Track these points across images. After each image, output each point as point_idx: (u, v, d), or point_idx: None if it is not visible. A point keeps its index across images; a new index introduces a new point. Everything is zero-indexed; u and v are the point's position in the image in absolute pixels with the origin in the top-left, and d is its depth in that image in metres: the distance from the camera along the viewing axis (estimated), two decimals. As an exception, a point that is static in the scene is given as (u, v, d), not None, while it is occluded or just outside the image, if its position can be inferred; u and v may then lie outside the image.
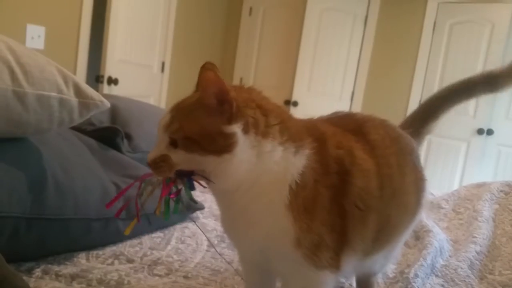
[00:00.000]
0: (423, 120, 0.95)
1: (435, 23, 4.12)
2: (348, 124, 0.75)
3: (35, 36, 2.59)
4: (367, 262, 0.77)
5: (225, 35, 4.74)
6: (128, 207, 1.05)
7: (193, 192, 0.71)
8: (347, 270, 0.72)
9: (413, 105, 4.04)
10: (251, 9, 4.65)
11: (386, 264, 0.95)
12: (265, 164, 0.63)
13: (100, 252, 0.98)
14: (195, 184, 0.67)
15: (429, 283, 1.03)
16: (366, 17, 4.29)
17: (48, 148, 0.97)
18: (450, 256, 1.21)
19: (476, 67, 3.91)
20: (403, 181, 0.76)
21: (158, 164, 0.63)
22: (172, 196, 0.67)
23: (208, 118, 0.61)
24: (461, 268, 1.11)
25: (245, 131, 0.62)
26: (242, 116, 0.62)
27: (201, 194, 1.56)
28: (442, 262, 1.16)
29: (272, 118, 0.65)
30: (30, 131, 0.90)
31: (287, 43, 4.46)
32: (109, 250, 1.00)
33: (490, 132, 3.88)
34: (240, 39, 4.71)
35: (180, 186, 0.66)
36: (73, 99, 0.95)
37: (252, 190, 0.64)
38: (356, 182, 0.67)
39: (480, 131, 3.88)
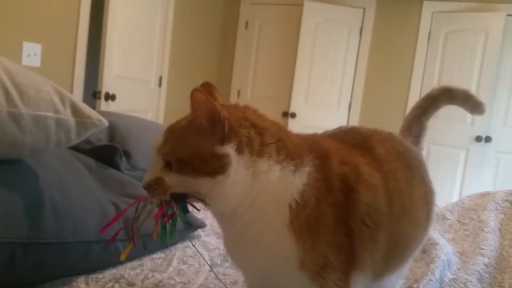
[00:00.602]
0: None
1: (430, 32, 4.15)
2: (353, 139, 0.74)
3: (31, 53, 2.58)
4: (379, 283, 0.74)
5: (221, 49, 4.76)
6: (125, 228, 1.03)
7: (194, 208, 0.69)
8: None
9: (411, 114, 4.03)
10: (247, 22, 4.68)
11: (397, 283, 0.92)
12: (261, 185, 0.61)
13: (100, 276, 0.95)
14: (190, 207, 0.66)
15: (439, 299, 1.00)
16: (361, 28, 4.32)
17: (44, 169, 0.95)
18: (458, 269, 1.19)
19: (472, 75, 3.93)
20: (412, 195, 0.74)
21: (153, 187, 0.63)
22: (165, 219, 0.65)
23: (200, 139, 0.61)
24: (471, 282, 1.08)
25: (239, 151, 0.61)
26: (236, 136, 0.61)
27: (203, 211, 1.53)
28: (450, 276, 1.13)
29: (267, 137, 0.63)
30: (26, 153, 0.88)
31: (283, 56, 4.48)
32: (109, 273, 0.97)
33: (488, 139, 3.88)
34: (237, 52, 4.73)
35: (175, 209, 0.65)
36: (71, 119, 0.93)
37: (250, 211, 0.62)
38: (363, 199, 0.65)
39: (478, 139, 3.88)
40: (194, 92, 0.60)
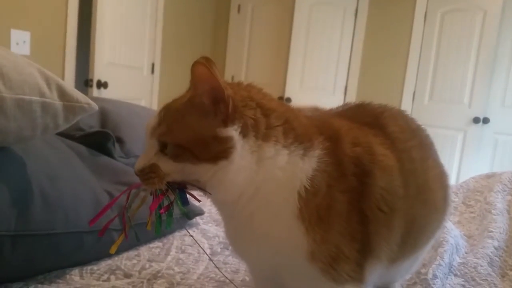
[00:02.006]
0: None
1: (426, 12, 4.08)
2: (364, 117, 0.68)
3: (20, 41, 2.50)
4: (393, 270, 0.70)
5: (214, 33, 4.68)
6: (119, 217, 0.98)
7: (194, 198, 0.64)
8: (371, 281, 0.65)
9: (407, 96, 4.02)
10: (239, 6, 4.59)
11: (411, 270, 0.88)
12: (267, 171, 0.56)
13: (95, 267, 0.90)
14: (190, 197, 0.60)
15: (449, 284, 0.97)
16: (356, 9, 4.25)
17: (32, 157, 0.89)
18: (466, 253, 1.15)
19: (470, 55, 3.88)
20: (427, 176, 0.69)
21: (147, 174, 0.57)
22: (162, 211, 0.59)
23: (201, 120, 0.55)
24: (481, 266, 1.05)
25: (244, 134, 0.55)
26: (240, 117, 0.55)
27: (199, 197, 1.48)
28: (459, 260, 1.10)
29: (274, 119, 0.58)
30: (10, 140, 0.82)
31: (277, 39, 4.40)
32: (104, 264, 0.92)
33: (486, 120, 3.84)
34: (230, 37, 4.65)
35: (172, 199, 0.59)
36: (57, 103, 0.87)
37: (255, 200, 0.57)
38: (378, 183, 0.60)
39: (476, 120, 3.84)
40: (195, 65, 0.53)
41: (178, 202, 0.58)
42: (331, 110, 0.74)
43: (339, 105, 0.76)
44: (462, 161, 3.92)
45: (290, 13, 4.20)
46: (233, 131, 0.54)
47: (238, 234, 0.64)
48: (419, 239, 0.71)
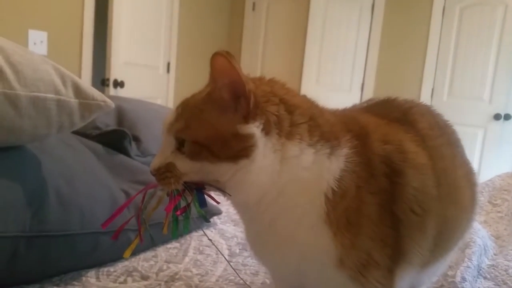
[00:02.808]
0: None
1: (444, 7, 3.98)
2: (392, 112, 0.64)
3: (38, 41, 2.52)
4: (423, 274, 0.66)
5: (229, 32, 4.66)
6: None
7: (212, 200, 0.61)
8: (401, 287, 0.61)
9: (426, 93, 3.93)
10: (254, 4, 4.55)
11: (438, 273, 0.84)
12: (291, 171, 0.52)
13: (111, 269, 0.88)
14: (208, 198, 0.57)
15: (478, 287, 0.92)
16: (373, 5, 4.17)
17: (48, 156, 0.88)
18: (495, 255, 1.10)
19: (490, 51, 3.77)
20: (457, 175, 0.65)
21: (163, 173, 0.54)
22: (178, 213, 0.56)
23: (220, 116, 0.52)
24: (512, 268, 1.00)
25: (266, 131, 0.52)
26: (262, 114, 0.52)
27: (216, 195, 1.46)
28: (488, 262, 1.05)
29: (298, 116, 0.54)
30: (26, 139, 0.81)
31: (293, 37, 4.35)
32: (121, 266, 0.90)
33: (507, 117, 3.73)
34: (245, 35, 4.62)
35: (189, 200, 0.56)
36: (73, 100, 0.85)
37: (278, 202, 0.54)
38: (410, 182, 0.56)
39: (497, 117, 3.73)
40: (215, 56, 0.50)
41: (196, 203, 0.56)
42: (355, 106, 0.71)
43: (363, 101, 0.72)
44: (483, 159, 3.82)
45: (306, 10, 4.15)
46: (254, 128, 0.51)
47: (260, 239, 0.60)
48: (449, 241, 0.67)
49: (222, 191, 0.54)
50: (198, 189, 0.55)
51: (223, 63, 0.50)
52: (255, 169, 0.51)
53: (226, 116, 0.52)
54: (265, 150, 0.51)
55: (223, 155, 0.51)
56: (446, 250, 0.68)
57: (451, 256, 0.81)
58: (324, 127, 0.55)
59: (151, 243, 0.97)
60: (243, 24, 4.63)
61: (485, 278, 0.97)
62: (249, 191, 0.53)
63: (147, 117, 1.47)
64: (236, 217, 1.28)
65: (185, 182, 0.54)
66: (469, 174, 0.70)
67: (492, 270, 1.00)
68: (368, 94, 4.15)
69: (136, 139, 1.35)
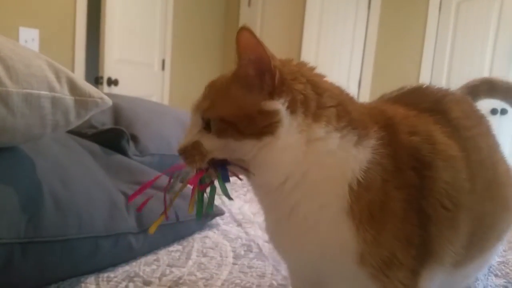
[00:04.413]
0: None
1: (440, 2, 3.97)
2: (423, 102, 0.60)
3: (29, 39, 2.47)
4: (456, 275, 0.61)
5: (224, 28, 4.61)
6: (141, 216, 0.92)
7: (236, 177, 0.59)
8: None
9: (425, 88, 3.89)
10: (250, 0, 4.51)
11: (476, 275, 0.79)
12: (316, 155, 0.51)
13: (112, 275, 0.84)
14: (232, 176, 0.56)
15: (490, 286, 0.89)
16: (370, 1, 4.14)
17: (42, 157, 0.83)
18: (504, 251, 1.07)
19: (487, 45, 3.75)
20: (496, 169, 0.61)
21: (189, 152, 0.53)
22: (201, 187, 0.56)
23: (245, 93, 0.51)
24: (523, 265, 0.97)
25: (292, 109, 0.50)
26: (288, 91, 0.51)
27: (217, 196, 1.42)
28: (498, 259, 1.02)
29: (327, 98, 0.52)
30: (19, 139, 0.76)
31: (289, 33, 4.32)
32: (122, 270, 0.86)
33: (504, 111, 3.70)
34: (241, 31, 4.57)
35: (213, 178, 0.56)
36: (68, 97, 0.80)
37: (302, 187, 0.52)
38: (441, 176, 0.52)
39: (493, 111, 3.70)
40: (240, 32, 0.49)
41: (220, 180, 0.55)
42: (384, 96, 0.67)
43: (394, 90, 0.68)
44: (481, 154, 3.81)
45: (302, 6, 4.12)
46: (279, 105, 0.50)
47: (279, 228, 0.58)
48: (486, 240, 0.63)
49: (247, 170, 0.53)
50: (223, 165, 0.54)
51: (248, 38, 0.49)
52: (279, 146, 0.50)
53: (251, 93, 0.51)
54: (290, 129, 0.50)
55: (247, 132, 0.50)
56: (483, 249, 0.63)
57: (491, 259, 0.75)
58: (353, 114, 0.53)
59: (177, 222, 0.96)
60: (238, 20, 4.58)
61: (496, 275, 0.94)
62: (273, 170, 0.52)
63: (146, 115, 1.43)
64: (239, 217, 1.24)
65: (210, 160, 0.53)
66: (510, 170, 0.66)
67: (503, 267, 0.97)
68: (365, 90, 4.13)
69: (134, 138, 1.30)
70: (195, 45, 4.01)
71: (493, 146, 0.63)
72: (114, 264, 0.87)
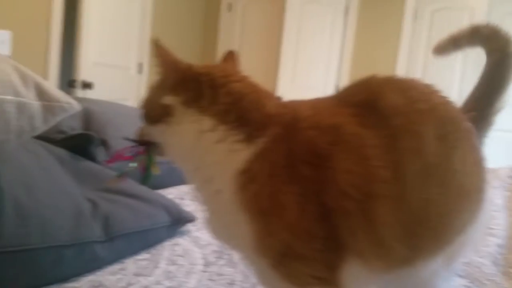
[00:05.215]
0: (487, 96, 0.69)
1: (415, 11, 4.10)
2: (357, 94, 0.59)
3: (0, 41, 2.40)
4: (414, 273, 0.58)
5: (204, 32, 4.61)
6: (107, 224, 0.91)
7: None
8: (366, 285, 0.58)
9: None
10: (230, 4, 4.52)
11: (451, 275, 0.69)
12: (207, 143, 0.58)
13: (76, 285, 0.82)
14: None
15: (453, 286, 0.91)
16: (347, 8, 4.23)
17: (5, 163, 0.81)
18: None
19: (458, 55, 3.85)
20: (449, 155, 0.57)
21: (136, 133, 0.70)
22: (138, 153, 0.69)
23: (157, 90, 0.64)
24: (485, 265, 1.00)
25: (187, 104, 0.60)
26: (186, 89, 0.61)
27: (191, 203, 1.41)
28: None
29: (222, 96, 0.59)
30: (-21, 145, 0.74)
31: (268, 38, 4.36)
32: (86, 280, 0.84)
33: (477, 118, 3.82)
34: (220, 36, 4.59)
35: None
36: (34, 103, 0.79)
37: (199, 172, 0.61)
38: (341, 166, 0.52)
39: (467, 117, 3.83)
40: (153, 45, 0.63)
41: (149, 154, 0.69)
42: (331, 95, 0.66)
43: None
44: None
45: (281, 12, 4.16)
46: (173, 100, 0.61)
47: (206, 210, 0.64)
48: (440, 232, 0.58)
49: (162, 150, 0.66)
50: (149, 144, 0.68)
51: (159, 50, 0.63)
52: (172, 133, 0.61)
53: (159, 90, 0.64)
54: (182, 120, 0.60)
55: (151, 120, 0.64)
56: (438, 243, 0.58)
57: (456, 253, 0.63)
58: (251, 113, 0.58)
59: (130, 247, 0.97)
60: (218, 25, 4.59)
61: (459, 276, 0.96)
62: (171, 152, 0.64)
63: (117, 120, 1.41)
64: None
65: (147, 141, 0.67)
66: (480, 162, 0.61)
67: (466, 268, 0.99)
68: (343, 96, 4.18)
69: (104, 144, 1.28)
70: (174, 49, 3.96)
71: (453, 136, 0.58)
72: (78, 274, 0.85)
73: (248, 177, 0.54)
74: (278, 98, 0.65)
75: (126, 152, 0.71)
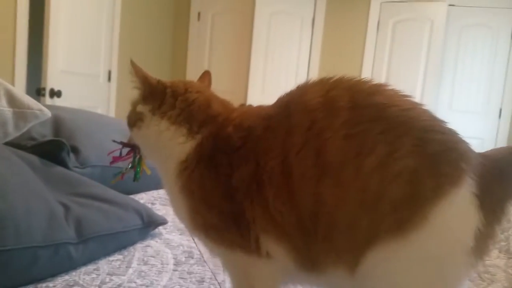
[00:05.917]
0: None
1: (378, 22, 4.26)
2: (283, 98, 0.68)
3: (-37, 49, 2.35)
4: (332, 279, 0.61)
5: (174, 41, 4.63)
6: (80, 227, 0.94)
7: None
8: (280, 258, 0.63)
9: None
10: (199, 14, 4.57)
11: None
12: (163, 140, 0.71)
13: (51, 284, 0.84)
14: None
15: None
16: (313, 19, 4.34)
17: (-22, 168, 0.83)
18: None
19: (420, 62, 4.08)
20: (358, 157, 0.55)
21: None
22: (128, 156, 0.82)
23: (136, 99, 0.76)
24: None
25: (153, 112, 0.73)
26: (152, 100, 0.73)
27: (162, 207, 1.44)
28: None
29: (179, 102, 0.72)
30: (-47, 150, 0.76)
31: (238, 47, 4.41)
32: (61, 280, 0.86)
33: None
34: (190, 45, 4.62)
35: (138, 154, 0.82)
36: (6, 109, 0.82)
37: (162, 165, 0.73)
38: (244, 156, 0.64)
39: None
40: (131, 64, 0.75)
41: (135, 156, 0.81)
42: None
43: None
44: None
45: (250, 22, 4.23)
46: (143, 108, 0.74)
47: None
48: (334, 236, 0.57)
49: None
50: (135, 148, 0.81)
51: (134, 68, 0.74)
52: (142, 135, 0.74)
53: (136, 100, 0.76)
54: (149, 124, 0.73)
55: (130, 125, 0.77)
56: (332, 244, 0.57)
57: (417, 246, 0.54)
58: (197, 115, 0.71)
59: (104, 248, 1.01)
60: (188, 34, 4.61)
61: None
62: (143, 150, 0.78)
63: (87, 127, 1.43)
64: (182, 225, 1.27)
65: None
66: (418, 171, 0.54)
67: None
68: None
69: (75, 150, 1.30)
70: (143, 57, 3.99)
71: (373, 139, 0.56)
72: (53, 274, 0.88)
73: (184, 166, 0.68)
74: (242, 105, 0.77)
75: (116, 153, 0.82)
